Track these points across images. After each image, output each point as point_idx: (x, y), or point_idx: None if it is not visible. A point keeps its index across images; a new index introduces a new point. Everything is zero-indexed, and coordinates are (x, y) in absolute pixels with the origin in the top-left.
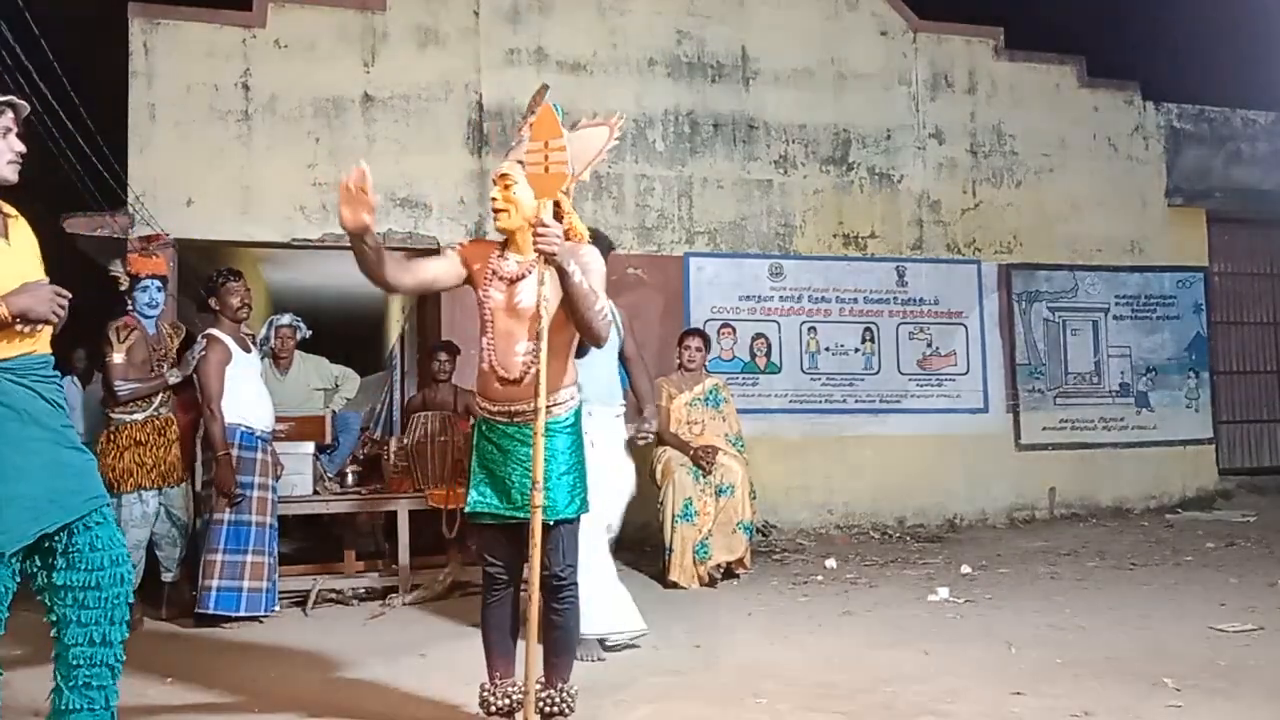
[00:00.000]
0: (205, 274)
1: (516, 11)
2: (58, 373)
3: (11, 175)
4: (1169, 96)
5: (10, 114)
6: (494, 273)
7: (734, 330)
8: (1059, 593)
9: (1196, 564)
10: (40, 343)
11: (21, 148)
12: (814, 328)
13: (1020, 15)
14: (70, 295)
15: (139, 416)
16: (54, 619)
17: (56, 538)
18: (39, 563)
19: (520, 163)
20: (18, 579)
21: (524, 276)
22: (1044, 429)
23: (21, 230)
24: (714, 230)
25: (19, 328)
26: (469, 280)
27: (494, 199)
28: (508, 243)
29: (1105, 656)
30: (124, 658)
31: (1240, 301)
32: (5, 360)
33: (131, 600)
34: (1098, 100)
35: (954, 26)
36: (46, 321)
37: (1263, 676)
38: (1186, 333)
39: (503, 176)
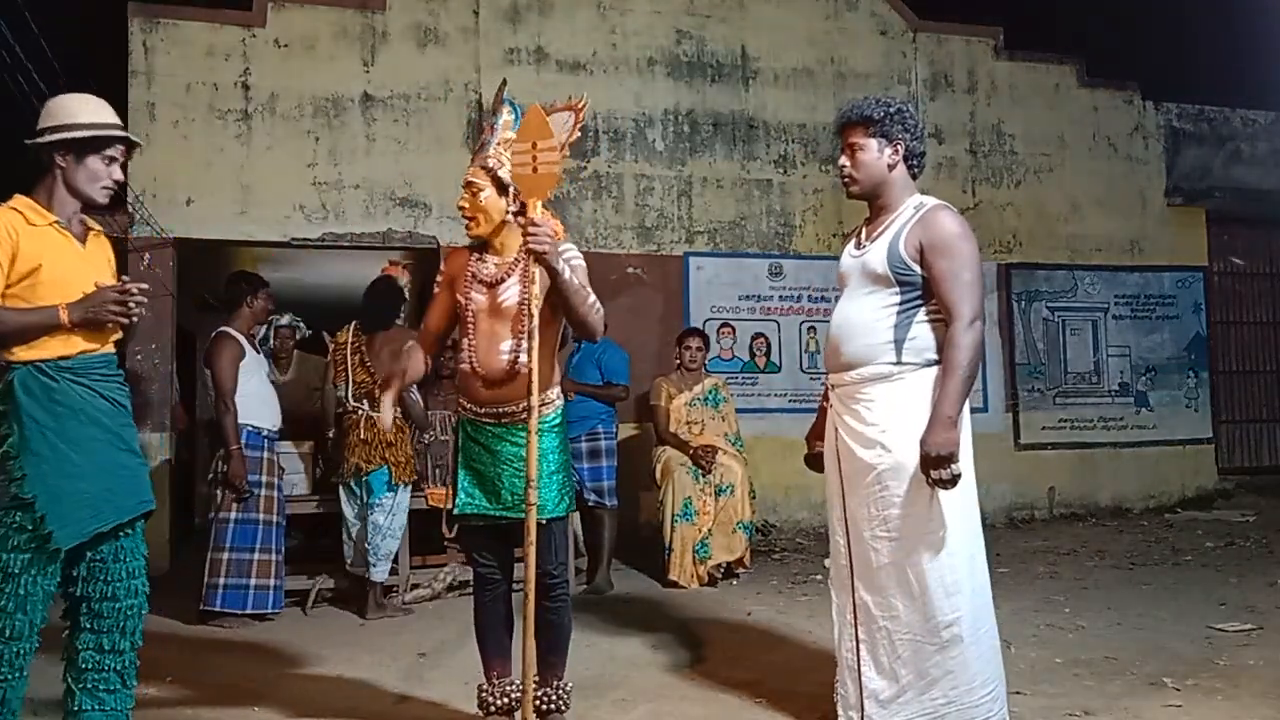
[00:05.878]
0: (203, 273)
1: (516, 11)
2: (120, 372)
3: (101, 198)
4: (1169, 96)
5: (120, 147)
6: (474, 276)
7: (734, 330)
8: (1058, 592)
9: (1196, 563)
10: (101, 343)
11: (120, 176)
12: (813, 327)
13: (1020, 15)
14: (136, 290)
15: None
16: (67, 622)
17: (91, 545)
18: (74, 570)
19: (484, 168)
20: (57, 581)
21: (505, 278)
22: (1043, 428)
23: (98, 242)
24: (714, 230)
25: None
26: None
27: (462, 207)
28: (485, 246)
29: (1104, 656)
30: (136, 665)
31: (1240, 301)
32: (65, 359)
33: (145, 612)
34: (1097, 100)
35: (954, 26)
36: (108, 323)
37: (1261, 676)
38: (1186, 332)
39: (469, 185)
